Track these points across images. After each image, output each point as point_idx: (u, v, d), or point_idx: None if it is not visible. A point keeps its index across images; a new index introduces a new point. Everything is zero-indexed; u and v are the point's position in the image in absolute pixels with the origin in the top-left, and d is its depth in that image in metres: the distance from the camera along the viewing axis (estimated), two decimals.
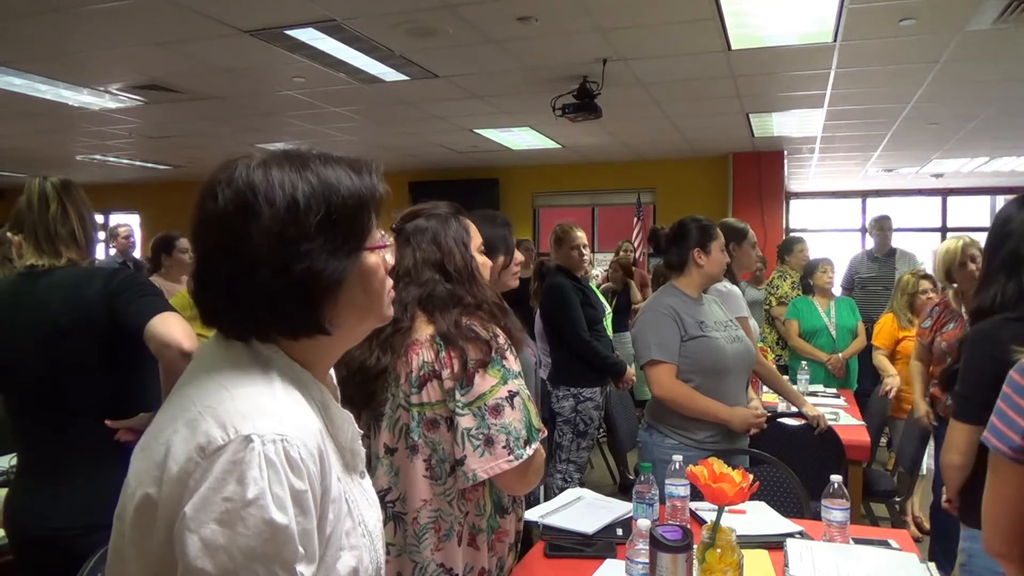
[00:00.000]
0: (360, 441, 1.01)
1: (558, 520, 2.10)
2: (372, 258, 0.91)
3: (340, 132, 6.92)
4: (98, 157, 8.30)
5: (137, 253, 6.71)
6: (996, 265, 1.90)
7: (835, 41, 4.21)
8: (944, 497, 2.02)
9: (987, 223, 10.85)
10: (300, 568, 0.79)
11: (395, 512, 1.58)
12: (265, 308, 0.84)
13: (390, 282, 0.96)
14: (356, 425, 1.00)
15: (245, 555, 0.75)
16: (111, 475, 1.77)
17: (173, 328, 1.71)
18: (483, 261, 1.77)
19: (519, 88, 5.32)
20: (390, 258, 0.96)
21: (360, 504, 0.96)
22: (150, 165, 8.88)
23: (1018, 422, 1.12)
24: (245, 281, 0.83)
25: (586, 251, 4.17)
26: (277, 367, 0.87)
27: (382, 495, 1.56)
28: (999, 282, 1.88)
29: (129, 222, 7.13)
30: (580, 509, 2.20)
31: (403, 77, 5.00)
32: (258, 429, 0.78)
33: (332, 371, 1.02)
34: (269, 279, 0.83)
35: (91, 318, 1.78)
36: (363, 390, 1.59)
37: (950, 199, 10.43)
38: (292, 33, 4.09)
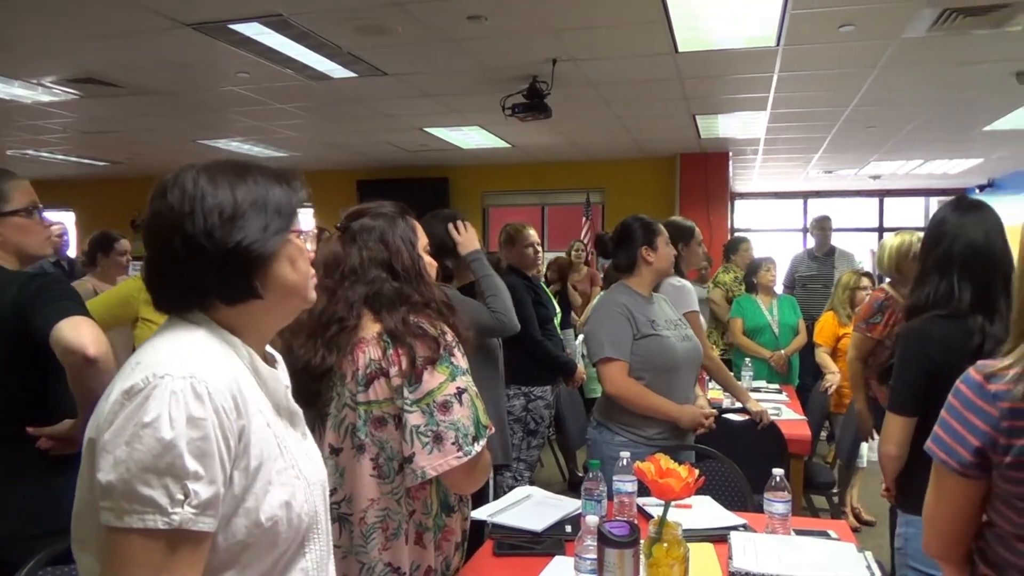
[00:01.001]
0: (294, 401, 1.14)
1: (507, 518, 2.10)
2: (297, 241, 1.08)
3: (286, 129, 6.80)
4: (30, 152, 7.98)
5: (72, 252, 6.50)
6: (931, 265, 1.98)
7: (778, 45, 4.31)
8: (883, 487, 2.09)
9: (921, 223, 11.30)
10: (193, 485, 0.88)
11: (340, 513, 1.56)
12: (210, 276, 0.99)
13: (313, 270, 1.11)
14: (287, 382, 1.14)
15: (139, 467, 0.87)
16: (36, 484, 1.73)
17: (81, 333, 1.65)
18: (429, 261, 1.76)
19: (469, 87, 5.31)
20: (311, 246, 1.11)
21: (296, 453, 1.06)
22: (86, 161, 8.57)
23: (968, 439, 1.14)
24: (194, 255, 0.98)
25: (539, 249, 4.18)
26: (204, 328, 1.02)
27: None
28: (933, 281, 1.96)
29: (63, 220, 6.90)
30: (529, 507, 2.21)
31: (351, 74, 4.93)
32: (171, 371, 0.92)
33: (279, 358, 1.17)
34: (213, 250, 0.98)
35: (6, 325, 1.72)
36: (307, 389, 1.56)
37: (887, 200, 10.80)
38: (236, 27, 3.99)
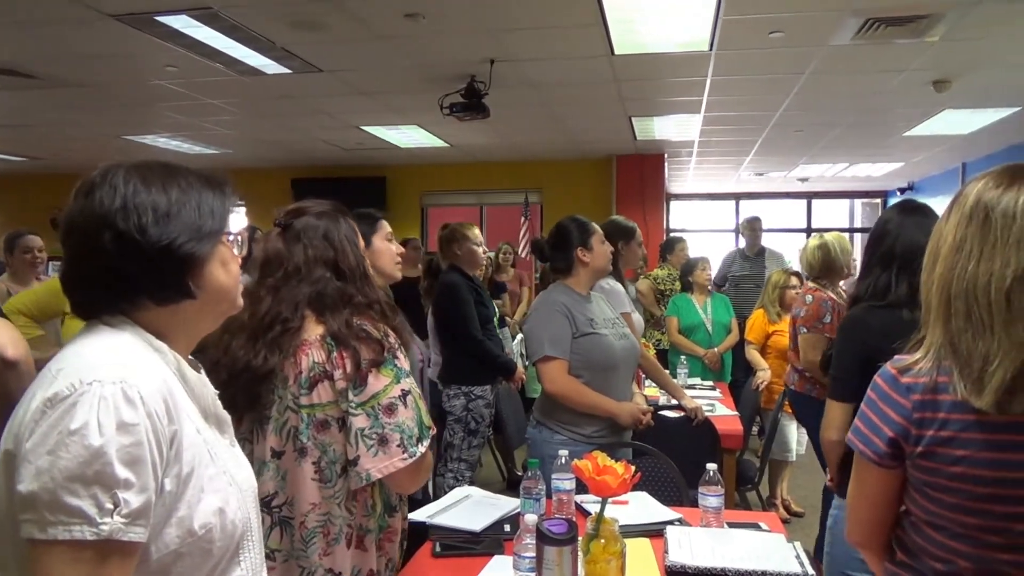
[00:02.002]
0: (222, 407, 1.11)
1: (446, 519, 2.10)
2: (228, 244, 1.07)
3: (217, 125, 6.62)
4: None
5: None
6: (874, 260, 2.11)
7: (711, 50, 4.41)
8: (828, 477, 2.18)
9: (847, 224, 11.76)
10: (123, 494, 0.85)
11: (282, 517, 1.53)
12: (142, 274, 0.96)
13: (240, 275, 1.10)
14: (212, 387, 1.11)
15: (64, 476, 0.83)
16: None
17: None
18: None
19: (407, 85, 5.26)
20: (238, 252, 1.10)
21: (227, 460, 1.04)
22: (2, 157, 8.17)
23: (883, 430, 1.19)
24: (125, 253, 0.95)
25: (486, 248, 4.18)
26: (129, 332, 0.98)
27: (267, 500, 1.51)
28: (874, 274, 2.09)
29: None
30: (468, 507, 2.21)
31: (285, 70, 4.83)
32: (99, 376, 0.88)
33: (202, 369, 1.12)
34: (147, 247, 0.95)
35: None
36: (248, 392, 1.53)
37: (814, 201, 11.19)
38: (163, 20, 3.86)
